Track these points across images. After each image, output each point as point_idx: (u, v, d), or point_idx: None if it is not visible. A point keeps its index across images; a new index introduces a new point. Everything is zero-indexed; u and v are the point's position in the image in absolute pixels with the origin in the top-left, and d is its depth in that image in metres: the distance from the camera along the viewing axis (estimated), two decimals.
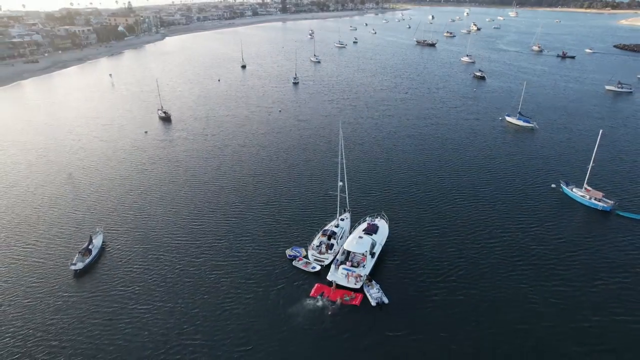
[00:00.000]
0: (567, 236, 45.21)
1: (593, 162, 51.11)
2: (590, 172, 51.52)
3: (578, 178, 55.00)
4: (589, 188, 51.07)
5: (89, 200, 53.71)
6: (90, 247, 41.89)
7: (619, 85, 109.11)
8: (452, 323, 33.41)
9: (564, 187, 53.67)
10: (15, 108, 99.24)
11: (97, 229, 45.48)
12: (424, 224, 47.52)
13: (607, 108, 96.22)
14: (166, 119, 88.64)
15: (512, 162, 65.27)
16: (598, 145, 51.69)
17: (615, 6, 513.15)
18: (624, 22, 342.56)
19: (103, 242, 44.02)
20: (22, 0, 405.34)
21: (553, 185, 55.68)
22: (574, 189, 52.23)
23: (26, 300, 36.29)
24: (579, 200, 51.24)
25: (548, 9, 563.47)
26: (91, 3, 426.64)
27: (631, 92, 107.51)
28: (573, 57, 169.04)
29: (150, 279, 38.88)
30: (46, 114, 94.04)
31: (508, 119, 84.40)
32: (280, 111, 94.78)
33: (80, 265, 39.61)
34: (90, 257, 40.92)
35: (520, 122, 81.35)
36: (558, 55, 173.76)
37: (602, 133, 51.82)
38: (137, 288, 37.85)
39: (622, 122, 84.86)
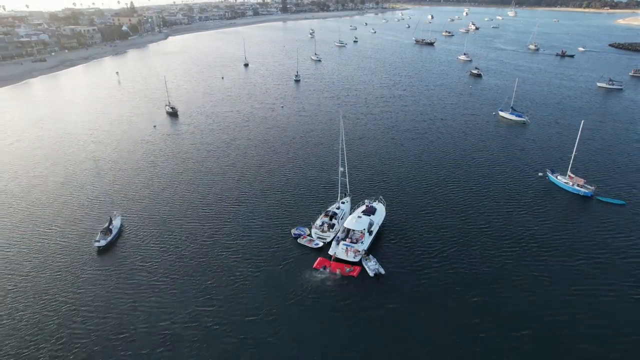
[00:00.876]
0: (551, 219, 48.86)
1: (575, 151, 54.83)
2: (572, 160, 55.23)
3: (563, 166, 58.65)
4: (572, 175, 54.77)
5: (106, 187, 57.47)
6: (110, 227, 45.64)
7: (610, 83, 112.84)
8: (442, 292, 37.04)
9: (550, 175, 57.40)
10: (27, 104, 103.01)
11: (115, 212, 49.19)
12: (419, 208, 51.23)
13: (597, 104, 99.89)
14: (173, 114, 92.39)
15: (504, 153, 68.99)
16: (580, 136, 55.40)
17: (614, 5, 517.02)
18: (621, 21, 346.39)
19: (121, 224, 47.75)
20: (25, 0, 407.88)
21: (540, 174, 59.38)
22: (558, 177, 55.98)
23: (57, 273, 39.99)
24: (563, 186, 54.96)
25: (547, 8, 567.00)
26: (94, 3, 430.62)
27: (621, 89, 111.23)
28: (572, 56, 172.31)
29: (166, 257, 42.50)
30: (57, 110, 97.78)
31: (501, 113, 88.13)
32: (282, 107, 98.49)
33: (103, 243, 43.36)
34: (111, 236, 44.66)
35: (513, 117, 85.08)
36: (557, 54, 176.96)
37: (583, 124, 55.56)
38: (154, 264, 41.48)
39: (610, 117, 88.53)
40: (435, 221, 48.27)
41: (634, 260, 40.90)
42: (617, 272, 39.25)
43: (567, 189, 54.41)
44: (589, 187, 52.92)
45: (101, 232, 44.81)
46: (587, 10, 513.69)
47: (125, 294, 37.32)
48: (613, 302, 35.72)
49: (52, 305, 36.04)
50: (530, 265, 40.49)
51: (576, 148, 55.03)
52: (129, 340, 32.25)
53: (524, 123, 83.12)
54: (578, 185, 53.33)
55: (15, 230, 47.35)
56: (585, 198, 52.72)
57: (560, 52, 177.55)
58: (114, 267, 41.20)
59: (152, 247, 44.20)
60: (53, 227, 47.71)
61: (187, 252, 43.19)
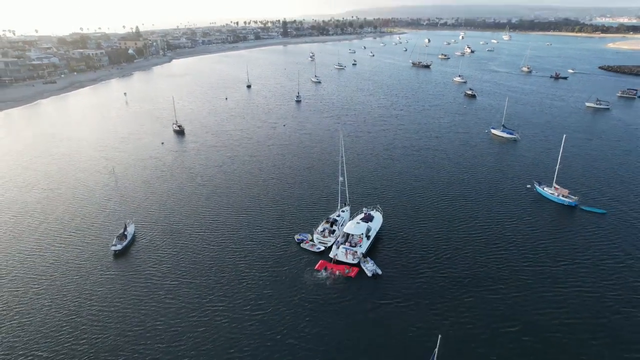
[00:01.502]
0: (538, 227, 52.22)
1: (560, 164, 58.66)
2: (557, 173, 59.02)
3: (550, 179, 62.25)
4: (558, 187, 58.41)
5: (120, 198, 61.00)
6: (125, 233, 48.97)
7: (598, 102, 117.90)
8: (435, 292, 40.05)
9: (537, 186, 61.06)
10: (40, 123, 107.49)
11: (129, 220, 52.51)
12: (415, 217, 54.66)
13: (584, 122, 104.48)
14: (180, 132, 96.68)
15: (495, 167, 72.81)
16: (563, 150, 59.42)
17: (605, 30, 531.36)
18: (611, 45, 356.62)
19: (135, 231, 51.04)
20: (34, 25, 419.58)
21: (528, 186, 63.04)
22: (545, 188, 59.63)
23: (78, 274, 43.13)
24: (549, 197, 58.53)
25: (540, 33, 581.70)
26: (100, 28, 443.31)
27: (608, 108, 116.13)
28: (565, 78, 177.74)
29: (178, 260, 45.63)
30: (68, 128, 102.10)
31: (493, 131, 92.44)
32: (284, 125, 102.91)
33: (119, 247, 46.60)
34: (126, 241, 47.96)
35: (504, 134, 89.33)
36: (551, 76, 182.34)
37: (565, 138, 59.68)
38: (167, 266, 44.59)
39: (596, 134, 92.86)
40: (430, 228, 51.62)
41: (614, 264, 44.11)
42: (598, 274, 42.39)
43: (553, 199, 57.96)
44: (572, 197, 56.53)
45: (117, 237, 48.09)
46: (579, 34, 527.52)
47: (140, 294, 40.29)
48: (594, 300, 38.77)
49: (74, 303, 39.03)
50: (519, 269, 43.59)
51: (560, 161, 58.94)
52: (145, 335, 35.04)
53: (515, 140, 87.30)
54: (563, 195, 56.91)
55: (39, 237, 50.65)
56: (569, 207, 56.22)
57: (554, 75, 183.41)
58: (129, 269, 44.32)
59: (164, 251, 47.38)
60: (72, 234, 51.06)
61: (198, 256, 46.35)
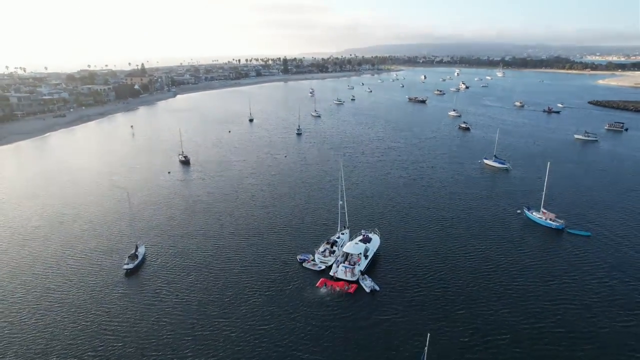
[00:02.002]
0: (527, 249, 55.17)
1: (545, 189, 62.39)
2: (544, 198, 62.63)
3: (538, 204, 65.65)
4: (545, 211, 61.81)
5: (130, 222, 63.99)
6: (136, 253, 51.88)
7: (586, 135, 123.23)
8: (429, 306, 42.62)
9: (526, 211, 64.46)
10: (52, 154, 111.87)
11: (139, 242, 55.45)
12: (411, 239, 57.68)
13: (573, 153, 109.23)
14: (186, 162, 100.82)
15: (487, 194, 76.36)
16: (551, 176, 63.39)
17: (595, 67, 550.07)
18: (600, 82, 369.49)
19: (145, 252, 53.90)
20: (44, 62, 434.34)
21: (518, 211, 66.43)
22: (533, 213, 63.03)
23: (90, 292, 45.69)
24: (538, 221, 61.80)
25: (533, 70, 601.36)
26: (106, 65, 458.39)
27: (596, 140, 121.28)
28: (558, 112, 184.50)
29: (185, 279, 48.21)
30: (79, 159, 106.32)
31: (486, 161, 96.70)
32: (286, 156, 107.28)
33: (130, 266, 49.41)
34: (137, 261, 50.78)
35: (496, 164, 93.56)
36: (544, 111, 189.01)
37: (549, 164, 63.70)
38: (175, 285, 47.12)
39: (583, 164, 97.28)
40: (425, 250, 54.54)
41: (598, 281, 46.89)
42: (583, 291, 45.10)
43: (541, 223, 61.22)
44: (559, 220, 59.81)
45: (128, 257, 50.98)
46: (570, 71, 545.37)
47: (151, 310, 42.69)
48: (579, 314, 41.36)
49: (88, 318, 41.42)
50: (509, 286, 46.23)
51: (546, 187, 62.61)
52: (154, 349, 37.19)
53: (506, 169, 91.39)
54: (550, 219, 60.21)
55: (55, 256, 53.53)
56: (557, 230, 59.38)
57: (546, 109, 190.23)
58: (140, 287, 46.94)
59: (173, 271, 50.07)
60: (86, 254, 53.97)
61: (205, 275, 49.01)
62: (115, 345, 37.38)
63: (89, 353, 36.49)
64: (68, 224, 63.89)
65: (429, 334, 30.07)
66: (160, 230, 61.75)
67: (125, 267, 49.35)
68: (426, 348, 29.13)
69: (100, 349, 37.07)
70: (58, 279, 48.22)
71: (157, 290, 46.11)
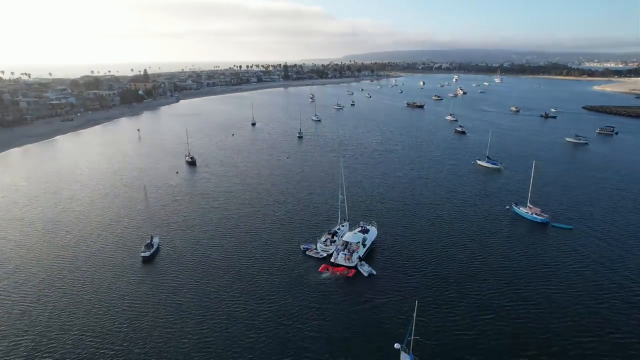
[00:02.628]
0: (514, 241, 59.59)
1: (532, 186, 66.96)
2: (530, 194, 67.19)
3: (525, 200, 70.07)
4: (531, 206, 66.30)
5: (143, 216, 68.52)
6: (152, 242, 56.27)
7: (577, 138, 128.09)
8: (423, 289, 46.89)
9: (514, 207, 68.97)
10: (63, 156, 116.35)
11: (153, 233, 59.84)
12: (407, 231, 62.13)
13: (563, 154, 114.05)
14: (192, 163, 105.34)
15: (479, 192, 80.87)
16: (534, 174, 67.96)
17: (591, 74, 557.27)
18: (596, 87, 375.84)
19: (159, 242, 58.28)
20: (47, 68, 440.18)
21: (507, 207, 70.92)
22: (520, 208, 67.56)
23: (111, 277, 50.03)
24: (524, 215, 66.29)
25: (531, 76, 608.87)
26: (109, 71, 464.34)
27: (586, 143, 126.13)
28: (554, 117, 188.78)
29: (198, 267, 52.46)
30: (88, 160, 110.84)
31: (479, 162, 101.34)
32: (288, 157, 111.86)
33: (147, 254, 53.80)
34: (153, 249, 55.15)
35: (489, 165, 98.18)
36: (541, 116, 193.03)
37: (535, 164, 68.32)
38: (189, 272, 51.37)
39: (572, 164, 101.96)
40: (419, 241, 58.97)
41: (578, 269, 51.32)
42: (564, 277, 49.52)
43: (527, 217, 65.69)
44: (544, 215, 64.28)
45: (145, 246, 55.39)
46: (567, 77, 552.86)
47: (166, 295, 46.62)
48: (559, 295, 45.74)
49: (110, 302, 45.46)
50: (497, 273, 50.56)
51: (532, 184, 67.27)
52: (169, 331, 40.93)
53: (498, 170, 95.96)
54: (535, 214, 64.67)
55: (78, 246, 58.04)
56: (541, 224, 63.83)
57: (543, 114, 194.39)
58: (156, 272, 51.29)
59: (186, 259, 54.42)
60: (106, 244, 58.55)
61: (216, 264, 53.31)
62: (134, 322, 41.56)
63: (115, 329, 40.73)
64: (88, 218, 68.31)
65: (417, 301, 34.40)
66: (171, 223, 66.11)
67: (143, 254, 53.71)
68: (414, 314, 33.44)
69: (123, 325, 41.24)
70: (81, 266, 52.54)
71: (172, 276, 50.37)
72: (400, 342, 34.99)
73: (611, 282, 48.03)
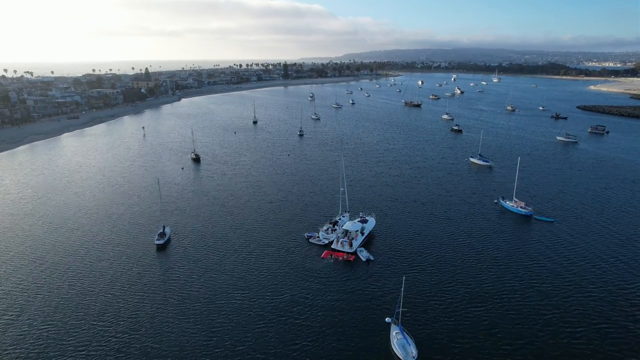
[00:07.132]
0: (500, 232, 64.28)
1: (517, 181, 71.71)
2: (515, 189, 72.00)
3: (512, 195, 74.76)
4: (517, 200, 71.04)
5: (154, 208, 73.07)
6: (164, 231, 60.88)
7: (567, 136, 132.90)
8: (416, 272, 51.56)
9: (502, 201, 73.72)
10: (72, 153, 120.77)
11: (165, 224, 64.43)
12: (403, 222, 66.83)
13: (553, 152, 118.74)
14: (196, 159, 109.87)
15: (470, 187, 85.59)
16: (519, 170, 72.80)
17: (589, 74, 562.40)
18: (592, 87, 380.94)
19: (171, 231, 62.87)
20: (49, 67, 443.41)
21: (495, 201, 75.67)
22: (507, 202, 72.28)
23: (126, 263, 54.62)
24: (510, 209, 71.05)
25: (528, 75, 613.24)
26: (111, 69, 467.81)
27: (576, 142, 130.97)
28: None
29: (208, 254, 57.06)
30: (96, 156, 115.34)
31: (471, 159, 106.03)
32: (289, 155, 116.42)
33: (161, 241, 58.42)
34: (166, 238, 59.76)
35: (480, 162, 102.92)
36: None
37: (520, 159, 73.19)
38: (200, 259, 55.94)
39: (560, 162, 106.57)
40: (414, 231, 63.71)
41: (558, 259, 55.94)
42: (545, 266, 54.17)
43: (513, 210, 70.45)
44: (528, 208, 69.05)
45: (158, 234, 60.03)
46: (564, 77, 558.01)
47: (179, 280, 51.12)
48: (540, 283, 50.45)
49: (126, 286, 49.80)
50: (483, 259, 55.25)
51: (517, 179, 72.14)
52: (182, 313, 45.21)
53: (490, 167, 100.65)
54: (520, 207, 69.39)
55: (97, 234, 62.75)
56: (526, 217, 68.58)
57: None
58: (169, 260, 55.88)
59: (196, 247, 59.04)
60: (122, 233, 63.17)
61: (225, 252, 57.86)
62: (146, 304, 46.09)
63: (131, 312, 45.29)
64: (102, 209, 72.99)
65: (404, 277, 39.07)
66: (181, 215, 70.72)
67: (157, 242, 58.34)
68: (402, 288, 38.09)
69: (142, 306, 45.85)
70: (99, 254, 57.16)
71: (184, 262, 54.95)
72: (391, 316, 39.65)
73: (589, 272, 52.58)
